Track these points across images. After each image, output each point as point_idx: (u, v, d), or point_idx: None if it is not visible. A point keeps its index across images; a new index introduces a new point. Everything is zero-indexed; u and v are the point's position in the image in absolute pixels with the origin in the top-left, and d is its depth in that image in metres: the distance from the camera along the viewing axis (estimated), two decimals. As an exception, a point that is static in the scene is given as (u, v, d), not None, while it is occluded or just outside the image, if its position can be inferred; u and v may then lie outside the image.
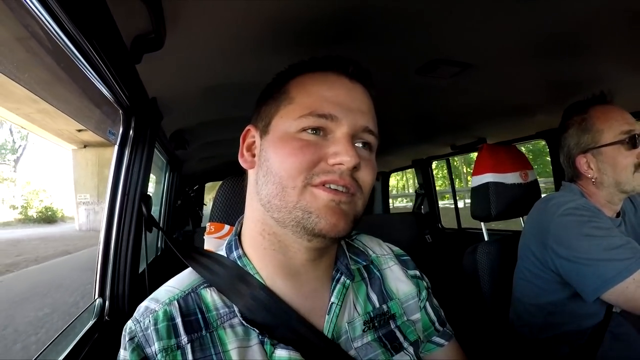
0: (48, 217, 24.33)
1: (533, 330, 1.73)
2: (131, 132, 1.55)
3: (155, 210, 2.22)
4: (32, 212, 24.65)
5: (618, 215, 1.74)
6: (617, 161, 1.60)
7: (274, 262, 0.90)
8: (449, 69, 1.62)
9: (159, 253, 3.13)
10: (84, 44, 0.92)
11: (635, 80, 1.79)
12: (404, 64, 1.58)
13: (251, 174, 0.95)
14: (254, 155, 0.94)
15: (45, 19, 0.80)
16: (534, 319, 1.72)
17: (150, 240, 1.70)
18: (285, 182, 0.82)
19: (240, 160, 0.97)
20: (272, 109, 0.91)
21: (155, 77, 1.42)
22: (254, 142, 0.95)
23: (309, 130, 0.84)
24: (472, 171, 2.37)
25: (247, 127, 0.98)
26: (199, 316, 0.83)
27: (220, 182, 1.53)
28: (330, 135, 0.84)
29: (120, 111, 1.50)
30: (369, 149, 0.91)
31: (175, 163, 3.22)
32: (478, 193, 2.24)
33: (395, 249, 1.18)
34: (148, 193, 1.61)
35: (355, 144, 0.86)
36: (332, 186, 0.80)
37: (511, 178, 2.20)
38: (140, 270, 1.63)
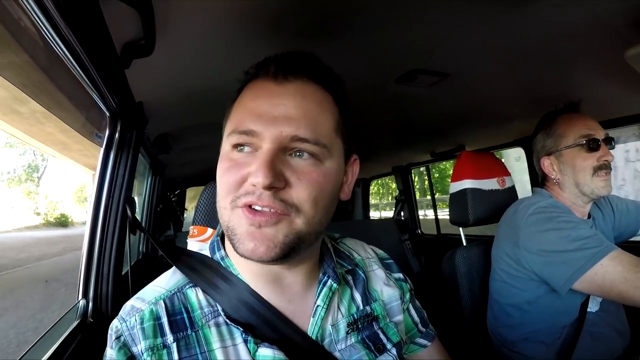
0: (62, 222, 30.40)
1: (510, 330, 1.77)
2: (117, 135, 1.56)
3: (137, 214, 2.22)
4: (51, 219, 30.86)
5: (589, 217, 1.81)
6: (575, 163, 1.70)
7: (251, 270, 0.89)
8: (428, 79, 1.66)
9: (140, 257, 3.12)
10: (76, 48, 0.93)
11: (607, 90, 1.85)
12: (384, 73, 1.61)
13: None
14: None
15: (42, 22, 0.81)
16: (510, 319, 1.76)
17: (132, 243, 1.70)
18: (220, 202, 0.81)
19: None
20: (224, 126, 0.89)
21: (142, 81, 1.43)
22: None
23: (238, 148, 0.80)
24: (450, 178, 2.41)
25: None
26: (185, 315, 0.84)
27: (203, 187, 1.54)
28: (258, 152, 0.78)
29: (107, 114, 1.51)
30: (314, 157, 0.80)
31: (158, 167, 3.21)
32: (456, 199, 2.26)
33: (380, 252, 1.19)
34: (132, 197, 1.62)
35: (292, 155, 0.79)
36: (257, 207, 0.76)
37: (489, 184, 2.23)
38: (123, 272, 1.63)
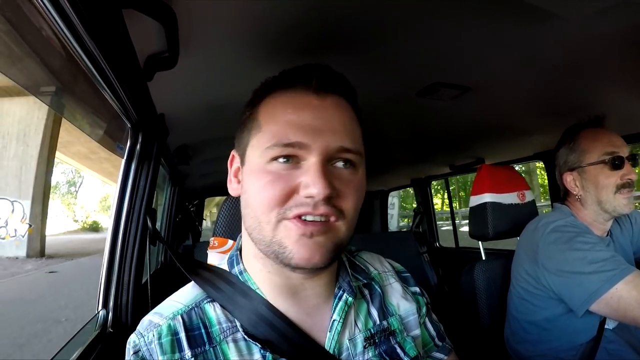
0: (94, 228, 40.14)
1: (527, 346, 1.75)
2: (138, 146, 1.57)
3: (157, 224, 2.24)
4: (86, 225, 40.75)
5: (608, 235, 1.78)
6: (598, 180, 1.67)
7: (271, 283, 0.89)
8: (448, 92, 1.65)
9: (159, 266, 3.14)
10: (100, 61, 0.94)
11: (629, 104, 1.83)
12: (405, 86, 1.61)
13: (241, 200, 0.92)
14: (239, 182, 0.92)
15: (67, 36, 0.82)
16: (528, 335, 1.74)
17: (151, 252, 1.71)
18: (260, 217, 0.80)
19: (229, 188, 0.96)
20: (245, 138, 0.89)
21: (164, 93, 1.45)
22: (239, 168, 0.93)
23: (280, 159, 0.79)
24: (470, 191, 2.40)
25: (232, 153, 0.96)
26: (203, 331, 0.83)
27: (219, 197, 1.54)
28: (302, 163, 0.80)
29: (129, 126, 1.52)
30: (352, 166, 0.84)
31: (177, 178, 3.24)
32: (476, 212, 2.25)
33: (396, 265, 1.18)
34: (153, 208, 1.63)
35: (335, 165, 0.82)
36: (308, 217, 0.77)
37: (509, 198, 2.22)
38: (142, 282, 1.63)
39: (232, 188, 0.95)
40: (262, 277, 0.90)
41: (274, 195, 0.78)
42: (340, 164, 0.82)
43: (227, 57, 1.26)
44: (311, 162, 0.78)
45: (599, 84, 1.62)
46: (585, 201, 1.75)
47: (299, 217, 0.77)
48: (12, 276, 11.39)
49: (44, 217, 15.68)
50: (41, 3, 0.72)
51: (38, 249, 14.60)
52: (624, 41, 1.24)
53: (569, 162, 1.78)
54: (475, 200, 2.27)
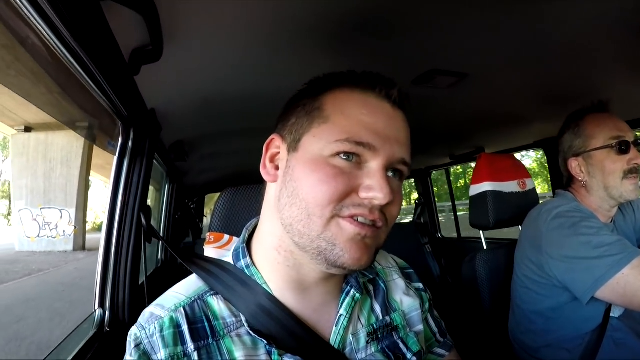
0: (101, 228, 41.51)
1: (532, 336, 1.73)
2: (130, 143, 1.56)
3: (155, 222, 2.22)
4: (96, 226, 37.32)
5: (611, 222, 1.77)
6: (605, 165, 1.65)
7: (285, 277, 0.88)
8: (445, 79, 1.63)
9: (159, 265, 3.14)
10: (83, 57, 0.93)
11: (631, 89, 1.81)
12: (400, 74, 1.58)
13: (272, 188, 0.91)
14: (277, 168, 0.90)
15: (46, 32, 0.81)
16: (533, 325, 1.72)
17: (150, 252, 1.70)
18: (313, 210, 0.78)
19: (262, 172, 0.92)
20: (304, 125, 0.85)
21: (154, 88, 1.43)
22: (278, 153, 0.91)
23: (343, 155, 0.78)
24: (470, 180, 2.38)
25: (272, 137, 0.93)
26: (206, 324, 0.82)
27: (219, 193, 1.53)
28: (364, 164, 0.80)
29: (119, 122, 1.51)
30: (400, 178, 0.86)
31: (175, 175, 3.23)
32: (476, 202, 2.24)
33: (400, 261, 1.18)
34: (147, 204, 1.62)
35: (388, 174, 0.82)
36: (360, 219, 0.77)
37: (509, 187, 2.20)
38: (140, 281, 1.63)
39: (267, 173, 0.91)
40: (274, 270, 0.89)
41: (335, 190, 0.77)
42: (391, 174, 0.83)
43: (215, 48, 1.24)
44: (376, 166, 0.79)
45: (600, 69, 1.61)
46: (591, 187, 1.72)
47: (351, 217, 0.77)
48: (77, 261, 15.54)
49: (84, 221, 19.75)
50: (18, 2, 0.70)
51: (81, 244, 18.40)
52: (624, 25, 1.23)
53: (574, 147, 1.76)
54: (476, 189, 2.25)
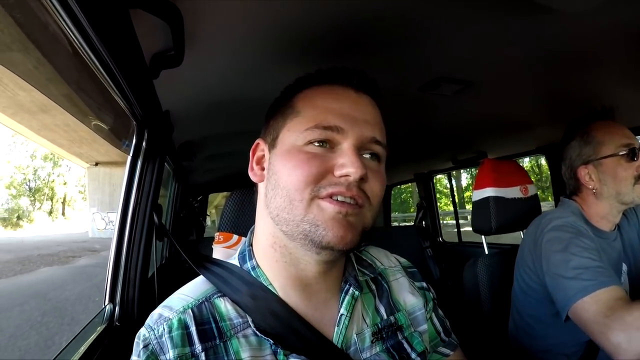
0: None
1: (531, 341, 1.75)
2: (144, 143, 1.59)
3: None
4: None
5: (615, 228, 1.77)
6: (617, 172, 1.65)
7: (285, 274, 0.90)
8: (451, 87, 1.66)
9: (163, 261, 3.15)
10: (107, 60, 0.95)
11: (634, 97, 1.83)
12: (407, 81, 1.61)
13: (261, 188, 0.95)
14: (263, 169, 0.94)
15: (73, 32, 0.82)
16: (532, 330, 1.74)
17: (156, 248, 1.72)
18: (293, 195, 0.82)
19: (250, 174, 0.97)
20: (279, 123, 0.91)
21: (170, 90, 1.46)
22: (263, 155, 0.95)
23: (316, 143, 0.84)
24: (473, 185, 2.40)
25: (257, 141, 0.98)
26: (213, 325, 0.84)
27: (218, 200, 1.55)
28: (336, 147, 0.84)
29: (134, 123, 1.53)
30: (377, 159, 0.90)
31: (181, 174, 3.24)
32: (479, 207, 2.25)
33: (403, 260, 1.18)
34: (159, 203, 1.64)
35: (363, 155, 0.86)
36: (339, 198, 0.80)
37: (512, 192, 2.22)
38: (149, 277, 1.65)
39: (254, 174, 0.97)
40: (276, 269, 0.91)
41: (309, 172, 0.81)
42: (367, 155, 0.88)
43: (233, 54, 1.27)
44: (346, 145, 0.83)
45: (603, 76, 1.63)
46: (601, 194, 1.72)
47: (330, 197, 0.80)
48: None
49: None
50: (49, 2, 0.73)
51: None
52: (627, 33, 1.25)
53: (583, 155, 1.75)
54: (478, 194, 2.27)
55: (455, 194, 5.06)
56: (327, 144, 0.84)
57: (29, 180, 51.60)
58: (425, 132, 2.59)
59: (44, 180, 52.62)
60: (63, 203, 55.76)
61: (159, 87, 1.34)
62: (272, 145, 0.91)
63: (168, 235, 1.63)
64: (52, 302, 8.04)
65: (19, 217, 47.34)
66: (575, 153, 1.77)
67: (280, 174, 0.85)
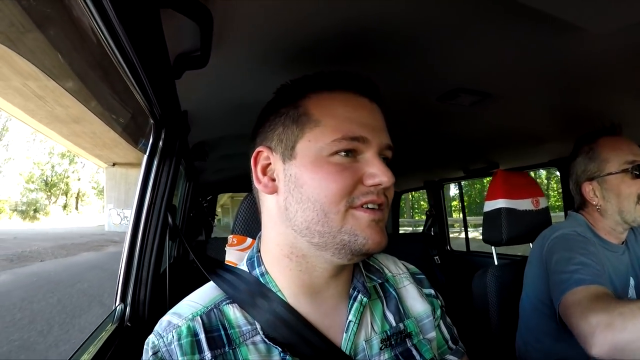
0: None
1: (540, 355, 1.73)
2: (161, 143, 1.59)
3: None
4: None
5: (624, 243, 1.76)
6: (620, 190, 1.64)
7: (298, 282, 0.90)
8: (469, 98, 1.66)
9: (171, 261, 3.16)
10: (133, 58, 0.94)
11: None
12: (426, 91, 1.61)
13: (270, 199, 0.93)
14: (273, 180, 0.91)
15: (103, 31, 0.82)
16: (540, 344, 1.72)
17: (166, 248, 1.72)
18: (328, 208, 0.82)
19: (258, 186, 0.93)
20: (295, 132, 0.88)
21: (190, 91, 1.46)
22: (269, 164, 0.92)
23: (342, 153, 0.83)
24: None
25: (258, 149, 0.94)
26: (222, 332, 0.84)
27: (223, 200, 1.55)
28: (360, 156, 0.86)
29: (152, 122, 1.53)
30: (387, 162, 0.91)
31: (193, 173, 3.25)
32: (490, 217, 2.25)
33: (411, 267, 1.18)
34: (173, 204, 1.64)
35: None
36: (370, 206, 0.83)
37: (523, 204, 2.22)
38: (160, 279, 1.65)
39: (264, 186, 0.92)
40: (289, 277, 0.91)
41: (344, 184, 0.82)
42: (381, 159, 0.89)
43: (256, 58, 1.27)
44: (371, 155, 0.86)
45: (618, 94, 1.62)
46: (605, 211, 1.71)
47: (361, 205, 0.83)
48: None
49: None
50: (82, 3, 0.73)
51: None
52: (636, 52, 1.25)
53: (588, 171, 1.74)
54: (490, 205, 2.27)
55: (450, 203, 5.04)
56: (352, 154, 0.85)
57: (47, 176, 55.01)
58: (438, 140, 2.59)
59: (60, 175, 56.26)
60: (77, 198, 59.71)
61: (180, 88, 1.34)
62: (287, 156, 0.88)
63: (181, 237, 1.63)
64: (107, 271, 11.08)
65: (35, 210, 50.61)
66: (580, 169, 1.78)
67: (309, 187, 0.84)
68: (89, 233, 27.46)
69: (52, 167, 54.95)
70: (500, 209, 2.19)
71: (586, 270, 1.42)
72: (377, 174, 0.83)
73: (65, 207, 57.53)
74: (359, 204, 0.83)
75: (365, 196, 0.83)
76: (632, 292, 1.70)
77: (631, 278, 1.72)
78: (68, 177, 56.75)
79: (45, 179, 54.31)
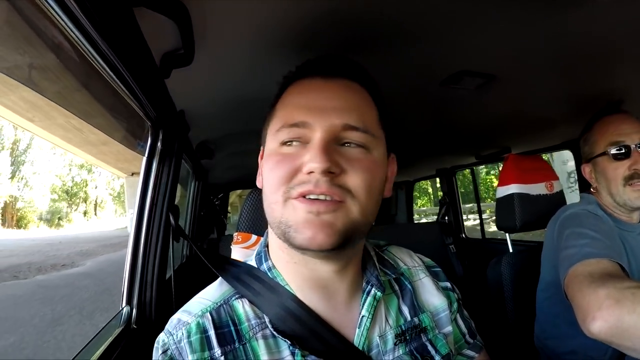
0: None
1: (557, 342, 1.71)
2: (159, 144, 1.57)
3: (181, 219, 2.24)
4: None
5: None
6: (606, 172, 1.66)
7: (299, 275, 0.88)
8: (473, 80, 1.61)
9: (184, 260, 3.16)
10: (115, 61, 0.94)
11: None
12: (429, 76, 1.58)
13: None
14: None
15: (79, 39, 0.82)
16: (557, 330, 1.69)
17: (176, 247, 1.71)
18: (270, 198, 0.81)
19: (257, 182, 0.96)
20: (265, 129, 0.92)
21: (184, 90, 1.44)
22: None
23: (290, 142, 0.81)
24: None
25: (262, 147, 0.96)
26: (232, 328, 0.83)
27: (237, 191, 1.54)
28: (308, 144, 0.80)
29: (149, 124, 1.52)
30: (364, 147, 0.82)
31: (201, 172, 3.25)
32: (503, 204, 2.23)
33: (426, 260, 1.15)
34: (175, 204, 1.63)
35: (344, 145, 0.81)
36: (312, 196, 0.76)
37: (536, 189, 2.19)
38: (167, 279, 1.64)
39: (258, 180, 0.95)
40: (290, 271, 0.90)
41: (280, 174, 0.79)
42: (347, 145, 0.82)
43: (245, 52, 1.25)
44: (314, 139, 0.79)
45: (629, 70, 1.57)
46: (600, 193, 1.73)
47: (303, 196, 0.77)
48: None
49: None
50: (51, 10, 0.72)
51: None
52: None
53: (584, 153, 1.78)
54: (502, 191, 2.25)
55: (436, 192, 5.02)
56: (297, 141, 0.81)
57: (68, 187, 58.35)
58: (447, 127, 2.55)
59: (79, 184, 59.65)
60: (95, 205, 63.09)
61: (174, 87, 1.33)
62: (264, 152, 0.92)
63: (185, 237, 1.61)
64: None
65: (59, 218, 53.80)
66: (582, 151, 1.80)
67: (264, 179, 0.86)
68: (116, 235, 28.97)
69: (72, 178, 57.97)
70: (512, 194, 2.16)
71: (597, 244, 1.38)
72: (309, 159, 0.76)
73: (85, 213, 60.60)
74: (296, 194, 0.77)
75: (301, 186, 0.77)
76: None
77: None
78: (87, 185, 59.89)
79: (66, 189, 57.25)
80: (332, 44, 1.24)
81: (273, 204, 0.80)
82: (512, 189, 2.17)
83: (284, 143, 0.82)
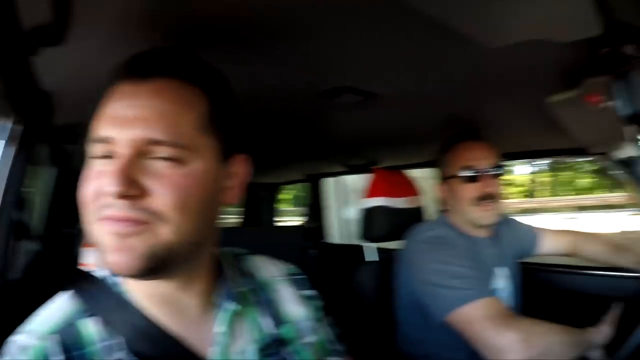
0: None
1: (411, 347, 1.83)
2: (19, 128, 1.43)
3: (37, 211, 2.04)
4: None
5: (494, 234, 1.90)
6: (457, 193, 1.80)
7: (145, 294, 0.81)
8: (351, 97, 1.64)
9: (34, 260, 2.90)
10: None
11: (523, 125, 1.98)
12: (306, 86, 1.58)
13: None
14: None
15: None
16: (409, 337, 1.84)
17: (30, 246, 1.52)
18: (84, 216, 0.72)
19: None
20: None
21: (55, 70, 1.31)
22: None
23: (101, 158, 0.72)
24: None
25: None
26: (83, 351, 0.74)
27: None
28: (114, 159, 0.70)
29: (10, 106, 1.35)
30: (175, 160, 0.71)
31: (61, 158, 3.02)
32: (366, 214, 2.31)
33: (289, 267, 1.12)
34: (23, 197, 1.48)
35: (152, 159, 0.70)
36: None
37: (399, 202, 2.28)
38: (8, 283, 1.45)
39: None
40: (134, 285, 0.82)
41: (85, 194, 0.71)
42: (154, 158, 0.71)
43: (118, 38, 1.15)
44: (117, 157, 0.69)
45: (498, 104, 1.72)
46: (454, 212, 1.87)
47: (109, 219, 0.68)
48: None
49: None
50: None
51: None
52: (525, 70, 1.33)
53: (440, 173, 1.92)
54: (367, 202, 2.31)
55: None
56: (110, 158, 0.71)
57: None
58: (319, 135, 2.58)
59: None
60: None
61: (43, 67, 1.20)
62: None
63: (30, 237, 1.43)
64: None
65: None
66: (437, 171, 1.94)
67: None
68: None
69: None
70: (376, 206, 2.24)
71: (471, 283, 1.53)
72: (107, 182, 0.67)
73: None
74: (102, 217, 0.69)
75: (105, 209, 0.68)
76: (499, 282, 1.83)
77: (497, 269, 1.84)
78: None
79: None
80: (206, 37, 1.15)
81: (86, 222, 0.72)
82: (377, 201, 2.27)
83: (95, 157, 0.73)
